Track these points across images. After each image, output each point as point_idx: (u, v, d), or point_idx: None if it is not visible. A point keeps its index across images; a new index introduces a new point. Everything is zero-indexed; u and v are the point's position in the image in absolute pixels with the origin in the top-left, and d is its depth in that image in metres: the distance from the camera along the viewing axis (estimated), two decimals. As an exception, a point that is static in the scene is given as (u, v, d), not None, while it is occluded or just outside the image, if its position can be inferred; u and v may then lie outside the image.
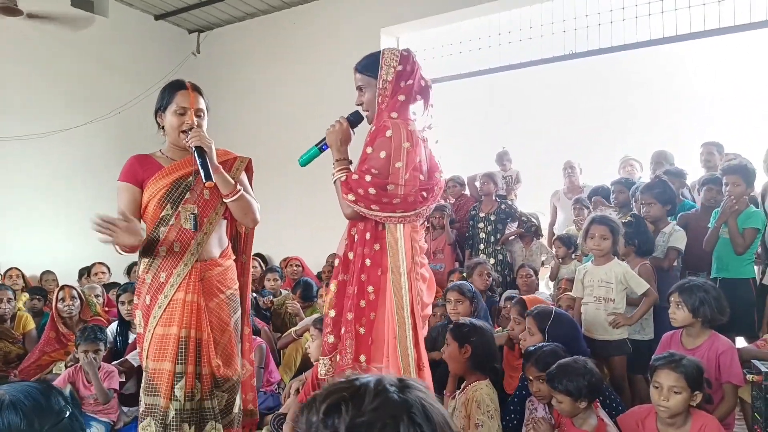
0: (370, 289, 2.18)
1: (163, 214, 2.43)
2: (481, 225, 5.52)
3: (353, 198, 2.16)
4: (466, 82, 6.76)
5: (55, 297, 4.28)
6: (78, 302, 4.30)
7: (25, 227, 6.07)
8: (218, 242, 2.54)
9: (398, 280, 2.17)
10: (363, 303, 2.18)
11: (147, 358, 2.43)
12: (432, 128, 2.35)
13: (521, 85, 7.21)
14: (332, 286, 2.30)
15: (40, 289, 5.21)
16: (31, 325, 4.51)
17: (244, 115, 7.34)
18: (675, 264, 3.83)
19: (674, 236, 3.79)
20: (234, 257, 2.66)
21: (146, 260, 2.47)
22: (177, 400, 2.34)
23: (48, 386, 1.19)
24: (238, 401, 2.58)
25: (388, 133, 2.19)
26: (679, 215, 4.19)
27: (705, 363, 2.57)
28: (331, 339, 2.25)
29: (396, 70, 2.26)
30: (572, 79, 7.04)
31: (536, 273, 4.99)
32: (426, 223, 2.43)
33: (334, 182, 2.26)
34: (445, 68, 6.66)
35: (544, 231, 6.11)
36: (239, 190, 2.47)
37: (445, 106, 2.31)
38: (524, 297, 3.62)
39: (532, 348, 2.87)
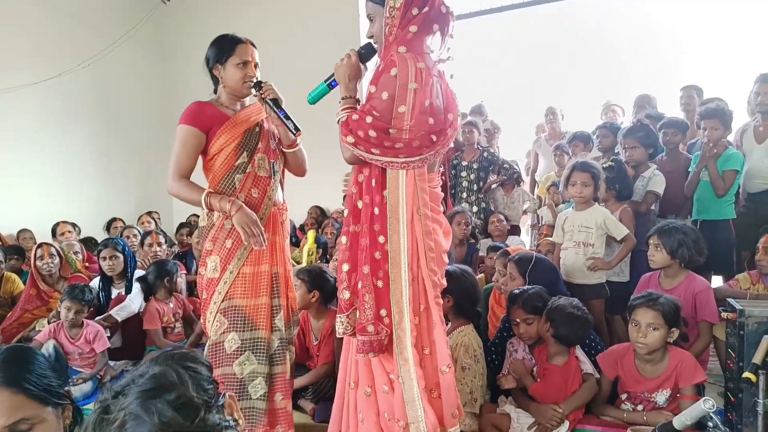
0: (382, 239, 2.01)
1: (238, 162, 2.48)
2: (463, 174, 5.50)
3: (352, 140, 1.97)
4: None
5: (33, 255, 4.22)
6: (57, 259, 4.25)
7: (-3, 184, 5.93)
8: (281, 189, 2.67)
9: (396, 231, 2.00)
10: (378, 254, 2.01)
11: (231, 298, 2.45)
12: (448, 60, 2.10)
13: (499, 31, 7.09)
14: (343, 239, 2.11)
15: (17, 248, 5.13)
16: (20, 286, 4.45)
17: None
18: (653, 208, 3.87)
19: (653, 180, 3.82)
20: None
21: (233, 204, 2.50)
22: (278, 330, 2.51)
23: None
24: (292, 350, 2.71)
25: (393, 71, 1.94)
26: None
27: (682, 302, 2.64)
28: (347, 295, 2.07)
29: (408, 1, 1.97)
30: (552, 25, 6.94)
31: (508, 219, 5.04)
32: (442, 167, 2.24)
33: (338, 122, 2.06)
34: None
35: (526, 178, 6.13)
36: (298, 144, 2.58)
37: (447, 48, 2.12)
38: (509, 249, 3.66)
39: (517, 291, 2.92)
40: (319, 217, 6.44)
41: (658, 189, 3.80)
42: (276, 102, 2.43)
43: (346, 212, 2.16)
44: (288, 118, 2.43)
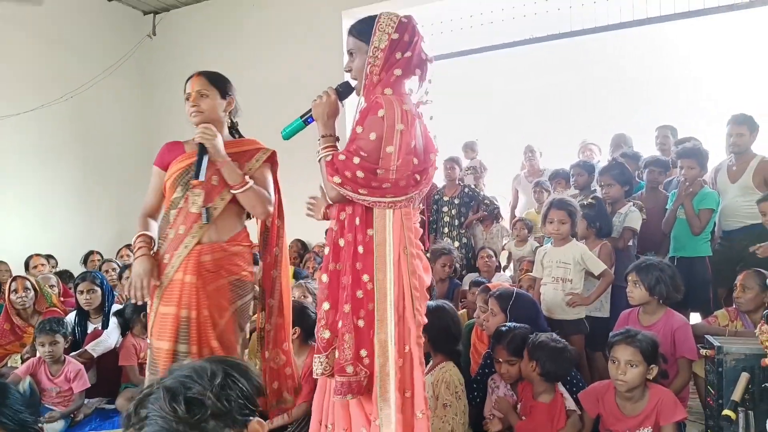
0: (366, 278, 1.98)
1: (174, 196, 2.50)
2: (445, 209, 5.56)
3: (339, 180, 1.95)
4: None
5: (7, 288, 4.13)
6: (32, 293, 4.16)
7: (-27, 217, 5.83)
8: (227, 227, 2.54)
9: (382, 270, 1.99)
10: (360, 293, 1.99)
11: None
12: (427, 103, 2.13)
13: (481, 71, 7.25)
14: (324, 277, 2.08)
15: (-9, 281, 5.02)
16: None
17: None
18: (630, 244, 3.94)
19: (630, 216, 3.89)
20: (249, 245, 2.66)
21: (160, 242, 2.54)
22: None
23: None
24: None
25: (381, 112, 1.95)
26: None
27: (661, 339, 2.67)
28: (327, 334, 2.03)
29: (390, 38, 1.99)
30: (532, 65, 7.12)
31: (496, 255, 5.08)
32: (421, 205, 2.25)
33: (319, 161, 2.04)
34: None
35: (506, 214, 6.21)
36: (247, 183, 2.47)
37: (425, 89, 2.16)
38: (489, 284, 3.67)
39: (503, 329, 2.92)
40: (300, 250, 6.42)
41: (635, 225, 3.87)
42: (201, 146, 2.42)
43: (327, 249, 2.13)
44: (198, 164, 2.39)
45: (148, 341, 2.55)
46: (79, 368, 3.51)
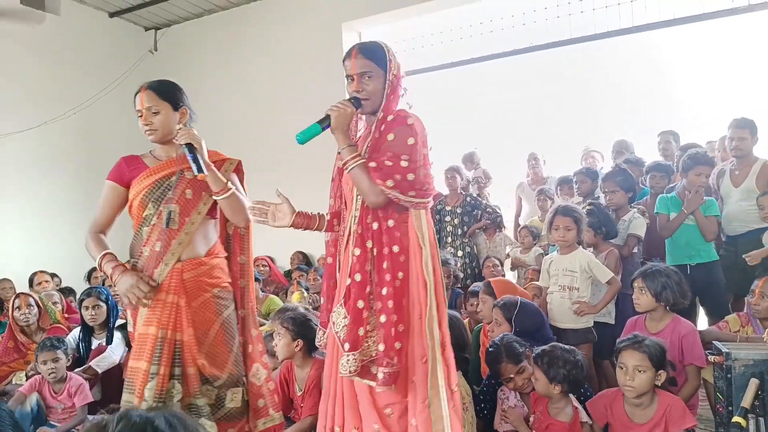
0: (401, 275, 2.11)
1: (145, 213, 2.45)
2: (447, 218, 5.54)
3: (392, 184, 2.06)
4: (426, 77, 6.79)
5: (11, 305, 4.13)
6: (35, 310, 4.16)
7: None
8: (204, 241, 2.52)
9: (428, 263, 2.17)
10: (385, 291, 2.10)
11: (132, 357, 2.44)
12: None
13: (482, 79, 7.27)
14: (357, 276, 2.14)
15: (-4, 298, 5.03)
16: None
17: (204, 113, 7.19)
18: (635, 251, 3.91)
19: (634, 223, 3.87)
20: (225, 256, 2.64)
21: (132, 261, 2.48)
22: (146, 400, 2.31)
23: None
24: (232, 396, 2.56)
25: (410, 120, 2.14)
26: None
27: (668, 346, 2.64)
28: (361, 332, 2.11)
29: (399, 66, 2.23)
30: (533, 72, 7.13)
31: (502, 263, 5.05)
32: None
33: (352, 168, 2.10)
34: (408, 62, 6.66)
35: (510, 223, 6.19)
36: (231, 188, 2.45)
37: (412, 98, 2.26)
38: (491, 280, 3.65)
39: (490, 349, 2.91)
40: (301, 262, 6.41)
41: (639, 232, 3.85)
42: (189, 145, 2.37)
43: (358, 252, 2.15)
44: (195, 160, 2.34)
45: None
46: (81, 383, 3.50)
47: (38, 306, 4.22)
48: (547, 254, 4.08)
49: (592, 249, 3.60)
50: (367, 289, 2.11)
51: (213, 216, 2.56)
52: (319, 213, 2.40)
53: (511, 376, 2.82)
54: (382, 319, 2.08)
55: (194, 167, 2.33)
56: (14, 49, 6.22)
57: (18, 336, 4.07)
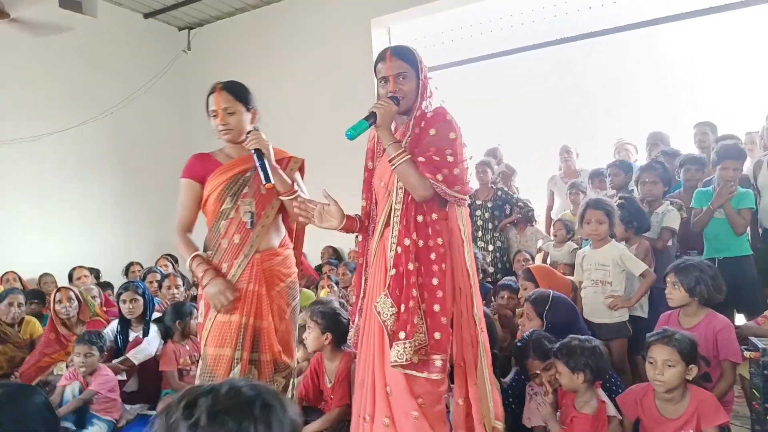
0: (444, 266, 2.20)
1: (222, 207, 2.57)
2: (478, 213, 5.52)
3: (441, 178, 2.13)
4: (457, 71, 6.75)
5: (52, 299, 4.27)
6: (75, 303, 4.29)
7: (19, 230, 6.05)
8: (277, 233, 2.68)
9: (470, 255, 2.27)
10: (435, 281, 2.19)
11: (206, 345, 2.55)
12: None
13: (514, 72, 7.18)
14: (410, 266, 2.19)
15: (38, 292, 5.19)
16: (40, 330, 4.49)
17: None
18: (669, 244, 3.83)
19: (668, 216, 3.79)
20: (292, 247, 2.79)
21: (209, 253, 2.61)
22: None
23: None
24: (291, 387, 2.71)
25: (448, 117, 2.23)
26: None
27: (703, 341, 2.59)
28: (416, 320, 2.16)
29: (426, 68, 2.32)
30: (565, 64, 7.02)
31: (533, 258, 5.00)
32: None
33: (399, 164, 2.15)
34: (436, 57, 6.64)
35: (542, 217, 6.12)
36: (296, 191, 2.59)
37: (437, 96, 2.31)
38: (530, 267, 3.63)
39: (518, 344, 2.90)
40: (331, 257, 6.46)
41: (674, 225, 3.78)
42: (258, 151, 2.47)
43: (408, 242, 2.20)
44: (263, 168, 2.45)
45: (204, 350, 2.58)
46: (107, 374, 3.57)
47: (78, 300, 4.36)
48: (580, 249, 4.03)
49: (624, 243, 3.54)
50: (412, 279, 2.16)
51: (285, 209, 2.69)
52: (356, 214, 2.47)
53: (538, 372, 2.80)
54: (436, 308, 2.16)
55: (262, 175, 2.45)
56: (53, 51, 6.40)
57: (59, 328, 4.20)
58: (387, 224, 2.29)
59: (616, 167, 4.64)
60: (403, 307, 2.14)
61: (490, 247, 5.41)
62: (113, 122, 6.95)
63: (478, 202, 5.53)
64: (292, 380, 2.72)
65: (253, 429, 0.98)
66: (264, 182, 2.44)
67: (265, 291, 2.55)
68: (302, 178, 2.82)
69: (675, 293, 2.91)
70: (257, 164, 2.46)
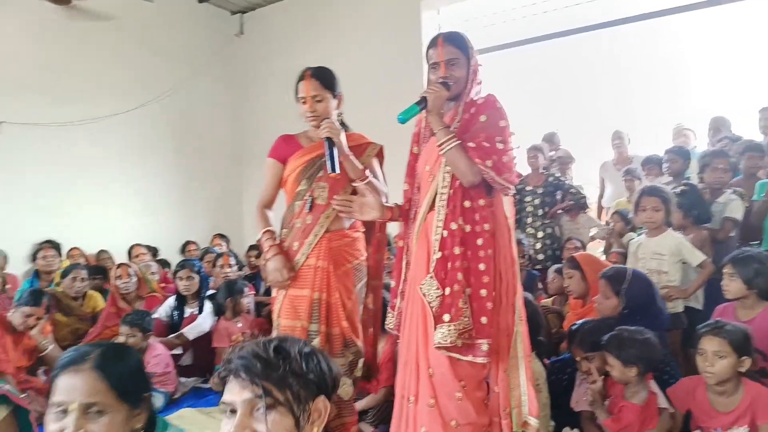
0: (490, 252, 2.20)
1: (299, 189, 2.72)
2: (528, 199, 5.43)
3: (491, 164, 2.13)
4: (508, 53, 6.63)
5: (113, 275, 4.47)
6: (134, 279, 4.48)
7: (84, 208, 6.32)
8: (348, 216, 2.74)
9: (514, 243, 2.29)
10: (482, 266, 2.19)
11: (279, 316, 2.73)
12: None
13: (567, 54, 7.00)
14: (456, 250, 2.19)
15: (101, 268, 5.43)
16: (102, 303, 4.68)
17: (290, 96, 7.39)
18: (732, 235, 3.70)
19: (731, 206, 3.66)
20: (363, 231, 2.88)
21: (284, 231, 2.78)
22: None
23: None
24: (358, 366, 2.81)
25: (498, 104, 2.23)
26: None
27: (761, 334, 2.51)
28: (461, 303, 2.16)
29: (476, 54, 2.32)
30: (619, 46, 6.79)
31: (584, 245, 4.90)
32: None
33: (450, 149, 2.15)
34: (486, 40, 6.52)
35: (593, 204, 5.99)
36: (367, 177, 2.67)
37: (487, 79, 2.31)
38: (576, 255, 3.57)
39: (575, 327, 2.85)
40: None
41: (736, 215, 3.64)
42: (329, 140, 2.55)
43: (455, 226, 2.20)
44: (331, 157, 2.53)
45: (276, 321, 2.74)
46: (158, 353, 3.70)
47: (137, 276, 4.55)
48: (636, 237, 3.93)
49: (681, 231, 3.44)
50: (462, 263, 2.17)
51: (356, 194, 2.73)
52: (394, 203, 2.51)
53: (578, 359, 2.77)
54: (483, 293, 2.16)
55: (329, 164, 2.54)
56: (113, 36, 6.61)
57: (119, 303, 4.40)
58: (431, 209, 2.29)
59: (674, 153, 4.50)
60: (448, 290, 2.16)
61: (540, 234, 5.32)
62: (169, 105, 7.13)
63: (528, 188, 5.44)
64: (360, 359, 2.80)
65: (322, 367, 1.16)
66: (329, 172, 2.54)
67: (332, 268, 2.67)
68: (381, 164, 2.90)
69: (732, 285, 2.81)
70: (326, 153, 2.54)
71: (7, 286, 5.00)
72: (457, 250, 2.17)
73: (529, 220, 5.40)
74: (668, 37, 6.56)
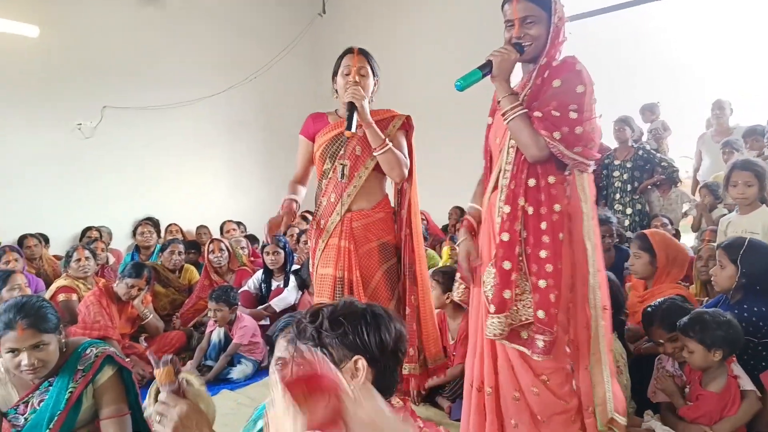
0: (561, 236, 1.95)
1: (324, 167, 2.76)
2: (616, 173, 5.23)
3: (559, 136, 1.87)
4: (601, 19, 6.32)
5: (206, 249, 4.76)
6: (226, 254, 4.75)
7: (181, 186, 6.74)
8: (371, 195, 2.76)
9: (589, 227, 2.01)
10: (544, 253, 1.95)
11: (314, 294, 2.85)
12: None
13: (659, 22, 6.59)
14: (505, 236, 1.99)
15: (195, 243, 5.79)
16: (197, 276, 5.01)
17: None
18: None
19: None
20: (390, 210, 2.86)
21: (316, 209, 2.84)
22: None
23: None
24: None
25: (578, 67, 1.94)
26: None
27: None
28: (507, 294, 1.98)
29: (562, 8, 2.00)
30: (715, 12, 6.31)
31: (672, 222, 4.66)
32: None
33: (513, 118, 1.94)
34: (573, 6, 6.24)
35: (689, 178, 5.67)
36: (387, 145, 2.62)
37: (575, 46, 2.06)
38: (647, 231, 3.40)
39: (650, 308, 2.74)
40: (459, 216, 6.48)
41: None
42: (351, 104, 2.52)
43: (507, 209, 2.00)
44: (349, 118, 2.48)
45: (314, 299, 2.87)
46: (245, 325, 3.89)
47: (228, 251, 4.81)
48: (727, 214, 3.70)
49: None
50: (517, 249, 1.96)
51: (382, 171, 2.73)
52: None
53: (661, 341, 2.66)
54: (541, 284, 1.94)
55: (346, 124, 2.51)
56: (202, 21, 6.94)
57: (212, 276, 4.69)
58: (495, 187, 2.10)
59: (778, 124, 4.16)
60: (496, 279, 1.99)
61: (629, 211, 5.13)
62: (257, 86, 7.40)
63: (617, 162, 5.24)
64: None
65: (365, 330, 1.23)
66: (345, 130, 2.50)
67: (354, 248, 2.69)
68: (410, 133, 2.84)
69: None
70: (346, 114, 2.52)
71: (112, 260, 5.44)
72: (505, 237, 1.97)
73: (617, 195, 5.21)
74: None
